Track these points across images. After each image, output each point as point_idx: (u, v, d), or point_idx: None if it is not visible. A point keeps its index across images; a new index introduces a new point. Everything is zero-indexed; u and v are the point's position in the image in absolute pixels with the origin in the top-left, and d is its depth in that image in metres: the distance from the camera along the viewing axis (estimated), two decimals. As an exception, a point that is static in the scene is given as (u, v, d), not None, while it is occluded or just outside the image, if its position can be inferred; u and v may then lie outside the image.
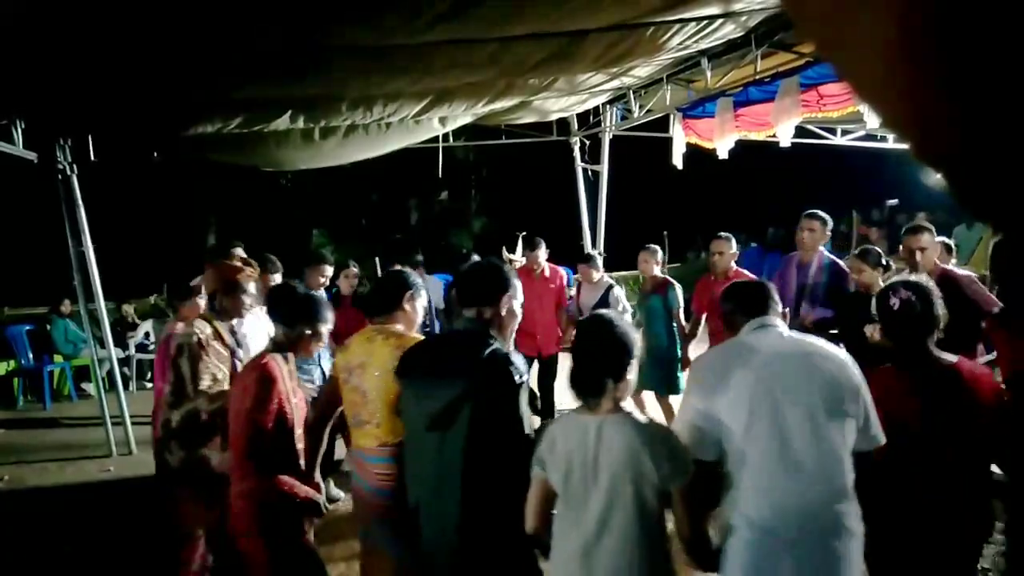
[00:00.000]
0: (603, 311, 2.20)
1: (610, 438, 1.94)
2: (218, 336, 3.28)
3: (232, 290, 3.32)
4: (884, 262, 4.18)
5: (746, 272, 5.10)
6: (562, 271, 6.18)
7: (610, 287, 5.69)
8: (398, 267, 5.10)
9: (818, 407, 2.04)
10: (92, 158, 6.44)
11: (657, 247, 5.71)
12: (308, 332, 2.75)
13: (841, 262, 4.69)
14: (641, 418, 2.01)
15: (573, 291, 6.12)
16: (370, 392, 2.63)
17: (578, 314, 5.80)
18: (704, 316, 5.30)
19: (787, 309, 4.53)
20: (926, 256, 3.96)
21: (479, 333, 2.27)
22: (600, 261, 5.99)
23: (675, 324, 5.48)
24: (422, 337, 2.72)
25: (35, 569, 4.37)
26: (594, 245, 8.55)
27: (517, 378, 2.15)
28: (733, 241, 5.18)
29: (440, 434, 2.17)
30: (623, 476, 1.92)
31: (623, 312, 5.55)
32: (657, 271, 5.68)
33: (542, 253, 5.92)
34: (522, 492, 2.12)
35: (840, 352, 2.19)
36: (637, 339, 2.05)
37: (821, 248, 4.72)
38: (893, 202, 12.14)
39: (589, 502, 1.96)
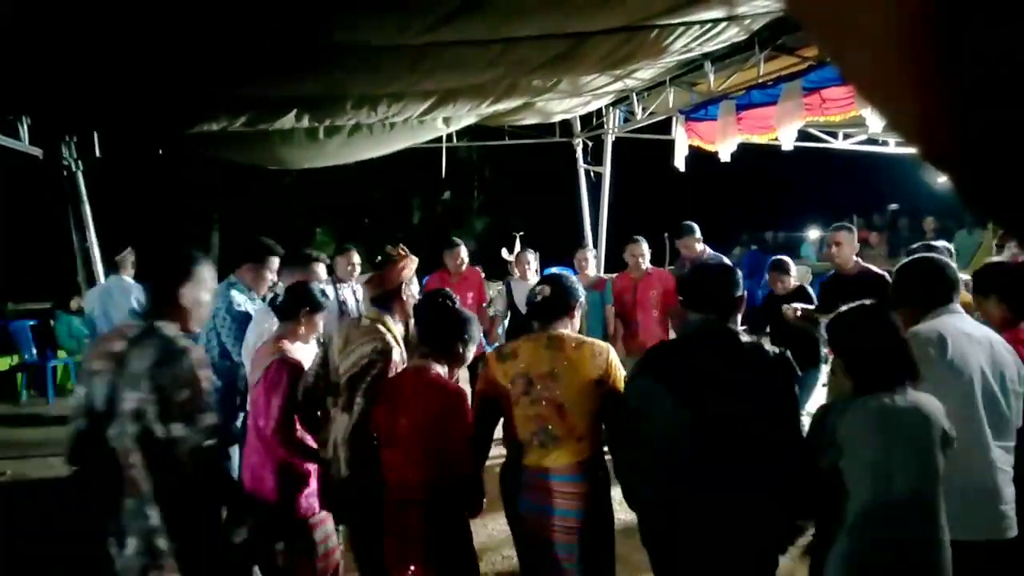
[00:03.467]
0: (865, 304, 2.24)
1: (912, 413, 2.10)
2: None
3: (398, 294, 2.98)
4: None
5: (661, 269, 5.84)
6: (477, 269, 6.28)
7: None
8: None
9: (1015, 387, 2.39)
10: (97, 155, 6.48)
11: (592, 249, 6.30)
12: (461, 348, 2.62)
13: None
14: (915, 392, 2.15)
15: (492, 291, 6.16)
16: (570, 404, 2.42)
17: (505, 314, 5.88)
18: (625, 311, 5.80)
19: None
20: (842, 252, 4.50)
21: (734, 333, 2.29)
22: (533, 257, 6.09)
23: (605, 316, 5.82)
24: (601, 341, 2.58)
25: (36, 563, 4.39)
26: (595, 246, 8.57)
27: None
28: (644, 243, 5.70)
29: (723, 437, 2.18)
30: (932, 449, 2.09)
31: None
32: (592, 271, 6.05)
33: (463, 252, 5.98)
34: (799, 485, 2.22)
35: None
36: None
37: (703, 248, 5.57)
38: (894, 207, 12.15)
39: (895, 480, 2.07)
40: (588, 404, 2.43)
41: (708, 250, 5.68)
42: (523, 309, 5.75)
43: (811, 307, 4.67)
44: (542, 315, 2.58)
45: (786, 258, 5.24)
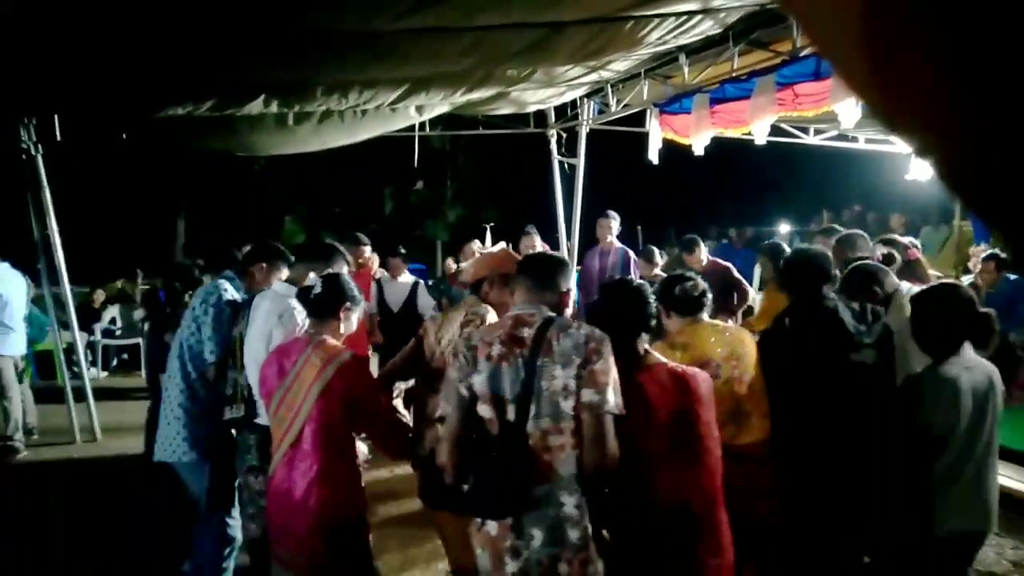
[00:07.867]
0: (945, 282, 2.67)
1: (992, 380, 2.45)
2: None
3: (505, 283, 2.86)
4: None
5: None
6: (371, 271, 6.14)
7: (416, 283, 5.94)
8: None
9: None
10: (58, 138, 6.29)
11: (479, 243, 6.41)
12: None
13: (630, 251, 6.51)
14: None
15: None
16: (755, 384, 2.64)
17: (378, 312, 5.79)
18: None
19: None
20: (695, 258, 5.87)
21: (836, 307, 2.73)
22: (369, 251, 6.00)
23: None
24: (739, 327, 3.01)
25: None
26: (569, 238, 8.57)
27: None
28: (536, 235, 6.35)
29: (840, 403, 2.60)
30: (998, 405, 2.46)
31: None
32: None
33: (366, 252, 5.85)
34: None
35: None
36: None
37: (613, 239, 6.42)
38: (858, 207, 12.30)
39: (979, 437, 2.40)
40: (761, 382, 2.66)
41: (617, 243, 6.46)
42: (394, 308, 5.72)
43: None
44: (697, 308, 2.76)
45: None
